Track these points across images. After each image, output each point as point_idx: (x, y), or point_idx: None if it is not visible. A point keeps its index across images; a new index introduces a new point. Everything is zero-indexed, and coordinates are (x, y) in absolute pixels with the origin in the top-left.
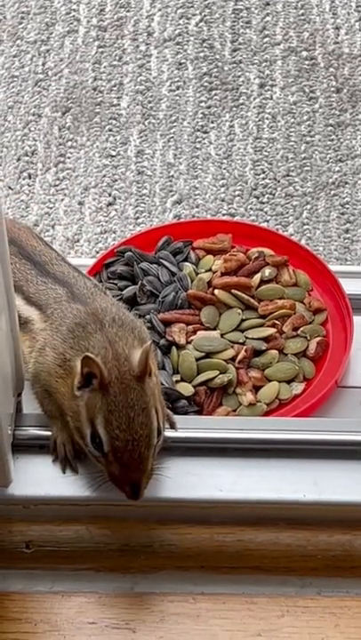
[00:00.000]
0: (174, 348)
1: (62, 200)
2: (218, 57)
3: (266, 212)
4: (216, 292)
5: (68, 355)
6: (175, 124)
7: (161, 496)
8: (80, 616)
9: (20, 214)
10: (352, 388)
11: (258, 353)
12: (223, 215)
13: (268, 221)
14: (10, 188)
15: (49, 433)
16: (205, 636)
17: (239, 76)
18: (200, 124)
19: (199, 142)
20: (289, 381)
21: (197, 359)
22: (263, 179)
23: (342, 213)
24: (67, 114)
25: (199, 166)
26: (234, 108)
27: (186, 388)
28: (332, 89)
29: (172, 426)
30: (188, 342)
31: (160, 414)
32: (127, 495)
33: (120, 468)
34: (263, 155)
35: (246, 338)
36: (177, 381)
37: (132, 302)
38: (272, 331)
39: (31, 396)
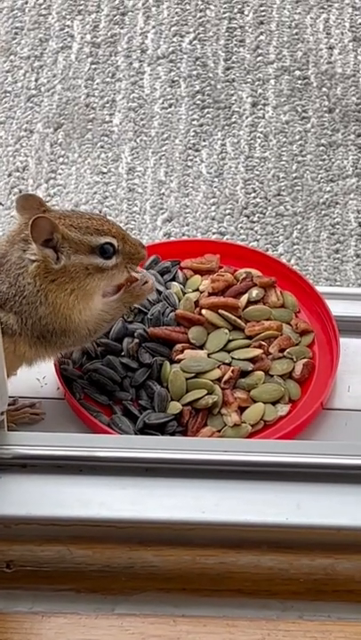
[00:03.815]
0: (167, 364)
1: None
2: (211, 75)
3: (256, 232)
4: (203, 311)
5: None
6: (167, 141)
7: (143, 517)
8: (60, 637)
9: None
10: (338, 410)
11: (244, 374)
12: (213, 234)
13: (258, 240)
14: (0, 203)
15: (32, 452)
16: None
17: (232, 95)
18: (192, 141)
19: (191, 160)
20: (274, 403)
21: (186, 379)
22: (254, 198)
23: (332, 233)
24: (59, 130)
25: (190, 184)
26: (226, 127)
27: (175, 407)
28: (325, 109)
29: None
30: (176, 361)
31: None
32: (144, 249)
33: (131, 241)
34: (254, 174)
35: (233, 358)
36: None
37: None
38: (258, 352)
39: None
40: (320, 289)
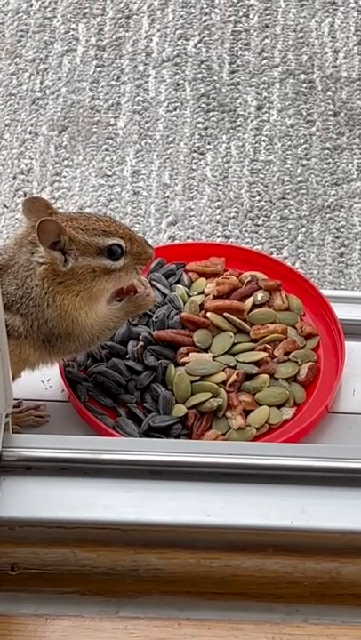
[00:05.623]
0: (172, 367)
1: None
2: (216, 78)
3: (261, 235)
4: (208, 314)
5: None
6: (172, 144)
7: (147, 520)
8: (64, 639)
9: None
10: (342, 413)
11: (249, 377)
12: (218, 237)
13: (262, 244)
14: (5, 206)
15: (37, 454)
16: None
17: (237, 98)
18: (197, 145)
19: (195, 163)
20: (279, 406)
21: (191, 382)
22: (259, 201)
23: (337, 237)
24: (63, 133)
25: (195, 187)
26: (231, 130)
27: (180, 410)
28: (330, 112)
29: None
30: (181, 364)
31: None
32: (151, 248)
33: (138, 241)
34: (259, 177)
35: (238, 361)
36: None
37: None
38: (263, 355)
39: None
40: (325, 292)
